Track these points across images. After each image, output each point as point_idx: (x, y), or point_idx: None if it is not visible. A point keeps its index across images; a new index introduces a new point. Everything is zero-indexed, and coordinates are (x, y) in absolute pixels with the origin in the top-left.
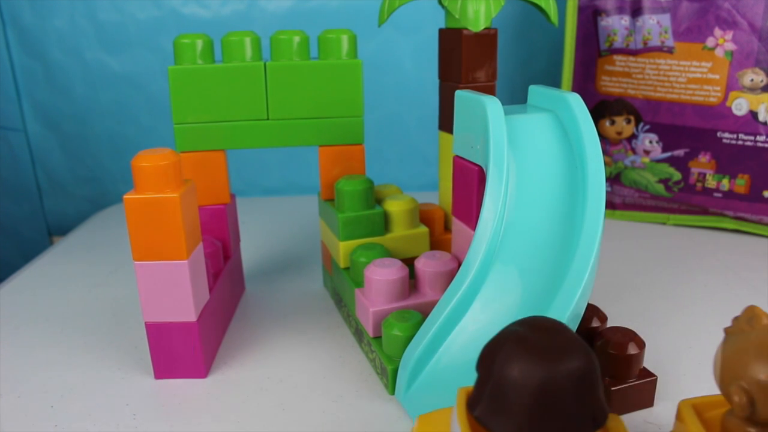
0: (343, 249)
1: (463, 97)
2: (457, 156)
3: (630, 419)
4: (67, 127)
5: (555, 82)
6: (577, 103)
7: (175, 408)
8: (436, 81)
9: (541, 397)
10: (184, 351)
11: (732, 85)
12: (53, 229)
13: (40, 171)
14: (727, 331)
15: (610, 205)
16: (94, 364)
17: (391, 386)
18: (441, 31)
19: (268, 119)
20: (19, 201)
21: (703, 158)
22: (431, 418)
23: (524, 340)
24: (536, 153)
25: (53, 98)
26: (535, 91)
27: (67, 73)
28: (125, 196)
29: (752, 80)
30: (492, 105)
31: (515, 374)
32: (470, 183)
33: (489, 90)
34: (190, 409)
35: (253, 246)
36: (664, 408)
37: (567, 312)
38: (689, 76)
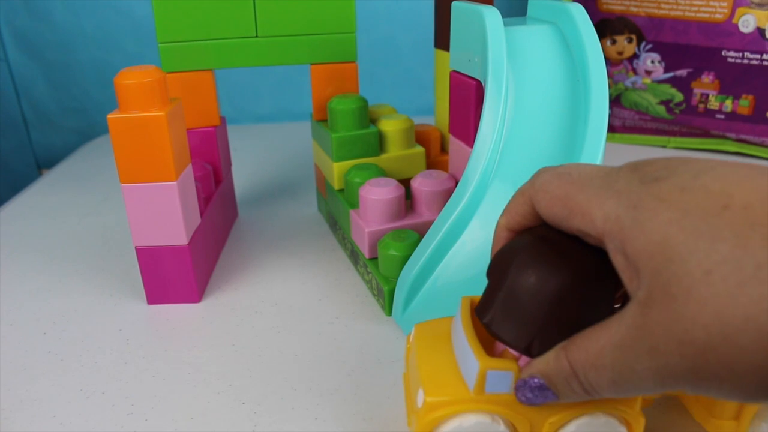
0: (337, 170)
1: (460, 8)
2: (455, 71)
3: None
4: (50, 56)
5: None
6: (580, 15)
7: (168, 332)
8: (430, 2)
9: (557, 303)
10: (176, 275)
11: (740, 0)
12: (42, 161)
13: (25, 102)
14: None
15: (609, 128)
16: (86, 291)
17: (388, 307)
18: None
19: (257, 36)
20: (5, 134)
21: (707, 78)
22: (430, 326)
23: (539, 248)
24: (537, 67)
25: (34, 25)
26: (536, 3)
27: None
28: (109, 116)
29: None
30: (491, 15)
31: (532, 281)
32: (468, 98)
33: (487, 2)
34: (184, 333)
35: (246, 173)
36: None
37: None
38: None
